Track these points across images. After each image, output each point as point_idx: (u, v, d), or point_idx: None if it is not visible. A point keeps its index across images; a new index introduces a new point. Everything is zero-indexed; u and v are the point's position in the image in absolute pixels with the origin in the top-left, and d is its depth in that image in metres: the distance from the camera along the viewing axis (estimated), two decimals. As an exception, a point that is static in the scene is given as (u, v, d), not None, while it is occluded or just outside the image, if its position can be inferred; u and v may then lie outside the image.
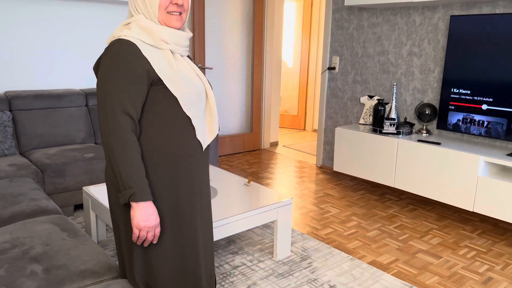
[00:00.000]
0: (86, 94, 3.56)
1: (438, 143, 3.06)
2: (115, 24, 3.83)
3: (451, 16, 3.09)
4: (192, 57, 1.12)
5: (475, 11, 3.09)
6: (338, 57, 4.11)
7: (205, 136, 1.37)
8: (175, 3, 1.28)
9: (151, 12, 1.27)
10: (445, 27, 3.27)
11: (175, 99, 1.26)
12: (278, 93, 5.21)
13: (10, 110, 3.20)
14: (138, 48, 1.22)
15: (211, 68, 4.49)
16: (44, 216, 2.00)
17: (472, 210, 2.84)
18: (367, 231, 2.92)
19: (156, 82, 1.24)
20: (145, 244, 1.30)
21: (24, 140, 3.19)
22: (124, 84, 1.19)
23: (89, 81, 3.79)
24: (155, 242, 1.30)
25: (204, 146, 1.37)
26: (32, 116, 3.24)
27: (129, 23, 1.29)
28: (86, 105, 3.56)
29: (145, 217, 1.24)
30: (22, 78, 3.45)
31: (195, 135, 1.33)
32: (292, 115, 6.36)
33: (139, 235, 1.26)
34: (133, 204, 1.23)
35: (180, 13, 1.30)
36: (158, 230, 1.28)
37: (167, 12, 1.28)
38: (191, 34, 1.36)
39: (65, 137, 3.34)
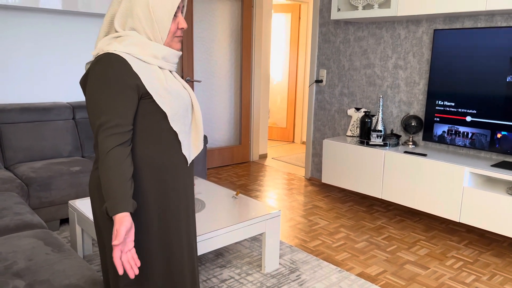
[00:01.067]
0: (73, 107, 3.54)
1: (424, 155, 3.10)
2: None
3: (435, 30, 3.16)
4: (180, 70, 1.14)
5: (457, 25, 3.17)
6: (325, 70, 4.16)
7: (190, 151, 1.38)
8: (181, 28, 1.33)
9: (158, 36, 1.28)
10: (429, 40, 3.34)
11: (163, 114, 1.27)
12: (266, 106, 5.24)
13: (-4, 124, 3.16)
14: (128, 62, 1.21)
15: (199, 81, 4.50)
16: (28, 231, 1.97)
17: (458, 221, 2.87)
18: (355, 243, 2.92)
19: (144, 96, 1.24)
20: (131, 272, 1.19)
21: (9, 153, 3.15)
22: (114, 99, 1.19)
23: (76, 94, 3.78)
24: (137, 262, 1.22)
25: (189, 161, 1.38)
26: (18, 129, 3.21)
27: (119, 37, 1.27)
28: (73, 118, 3.54)
29: (119, 231, 1.17)
30: (8, 91, 3.42)
31: (181, 149, 1.34)
32: (281, 127, 6.39)
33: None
34: (114, 217, 1.19)
35: (182, 36, 1.37)
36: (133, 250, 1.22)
37: (174, 37, 1.33)
38: (180, 53, 1.38)
39: (51, 151, 3.31)
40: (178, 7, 1.31)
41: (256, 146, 5.18)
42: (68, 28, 3.65)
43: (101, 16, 3.78)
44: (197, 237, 2.02)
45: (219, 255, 2.67)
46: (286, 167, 4.92)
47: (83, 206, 2.45)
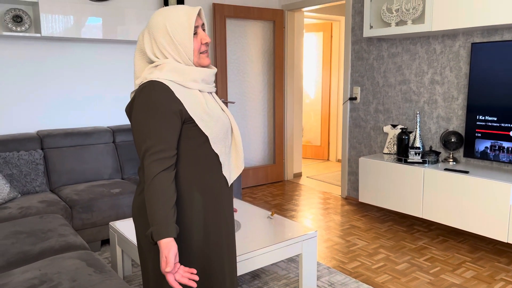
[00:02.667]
0: (113, 131, 3.68)
1: (466, 172, 2.98)
2: (141, 63, 3.98)
3: (472, 43, 3.08)
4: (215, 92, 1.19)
5: (496, 38, 3.07)
6: (359, 87, 4.12)
7: (231, 172, 1.42)
8: (205, 43, 1.36)
9: (185, 57, 1.33)
10: (466, 54, 3.26)
11: (204, 137, 1.32)
12: (300, 124, 5.24)
13: (42, 149, 3.33)
14: (170, 89, 1.27)
15: (233, 102, 4.57)
16: (71, 252, 2.04)
17: (506, 241, 2.72)
18: (396, 264, 2.83)
19: (187, 121, 1.29)
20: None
21: (54, 177, 3.29)
22: (159, 125, 1.23)
23: (116, 118, 3.92)
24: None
25: (230, 182, 1.41)
26: (62, 153, 3.36)
27: (158, 65, 1.32)
28: (114, 142, 3.67)
29: (165, 256, 1.23)
30: (53, 117, 3.60)
31: (221, 171, 1.38)
32: (315, 145, 6.35)
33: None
34: (159, 242, 1.24)
35: (208, 51, 1.39)
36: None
37: (200, 53, 1.36)
38: (215, 70, 1.42)
39: (93, 173, 3.43)
40: (197, 27, 1.34)
41: (290, 165, 5.17)
42: (107, 55, 3.82)
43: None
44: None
45: (256, 277, 2.65)
46: (321, 186, 4.86)
47: (123, 227, 2.51)
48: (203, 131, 1.30)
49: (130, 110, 1.36)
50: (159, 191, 1.22)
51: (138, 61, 1.39)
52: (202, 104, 1.31)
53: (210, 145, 1.34)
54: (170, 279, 1.21)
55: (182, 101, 1.27)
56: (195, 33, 1.34)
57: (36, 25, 3.32)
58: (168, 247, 1.21)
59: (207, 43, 1.37)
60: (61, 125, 3.65)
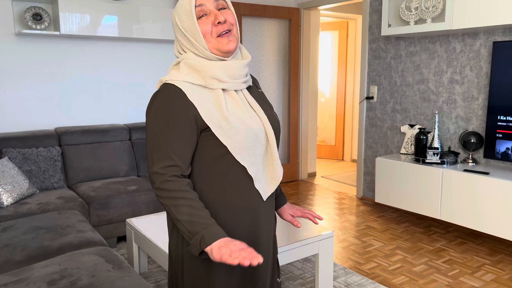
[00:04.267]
0: (130, 129, 3.70)
1: (487, 173, 2.92)
2: (157, 62, 4.01)
3: (494, 42, 3.02)
4: (259, 87, 1.04)
5: (519, 36, 3.01)
6: (376, 87, 4.08)
7: (266, 184, 1.18)
8: (218, 22, 1.12)
9: (199, 47, 1.14)
10: (487, 53, 3.19)
11: (223, 146, 1.12)
12: (315, 124, 5.21)
13: (60, 145, 3.37)
14: (184, 93, 1.10)
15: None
16: (90, 248, 2.06)
17: (528, 244, 2.67)
18: (413, 266, 2.79)
19: (205, 129, 1.11)
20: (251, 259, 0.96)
21: (71, 173, 3.33)
22: (169, 135, 1.08)
23: (133, 116, 3.95)
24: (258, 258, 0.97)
25: (265, 196, 1.18)
26: (79, 150, 3.40)
27: (178, 63, 1.19)
28: (130, 139, 3.70)
29: (220, 249, 1.00)
30: (70, 115, 3.64)
31: (253, 185, 1.17)
32: (329, 145, 6.31)
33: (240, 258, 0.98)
34: (207, 249, 1.02)
35: (229, 30, 1.14)
36: (250, 249, 1.00)
37: (217, 37, 1.13)
38: (249, 59, 1.19)
39: (109, 170, 3.46)
40: (202, 4, 1.13)
41: (304, 165, 5.14)
42: (123, 54, 3.85)
43: (154, 41, 3.95)
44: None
45: (271, 276, 2.64)
46: (336, 186, 4.82)
47: (140, 224, 2.52)
48: (221, 141, 1.10)
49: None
50: (180, 199, 1.06)
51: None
52: (222, 107, 1.10)
53: (233, 157, 1.13)
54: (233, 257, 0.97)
55: (196, 106, 1.09)
56: (204, 14, 1.13)
57: (55, 23, 3.36)
58: (220, 245, 0.99)
59: (220, 22, 1.11)
60: (78, 122, 3.69)
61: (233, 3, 4.34)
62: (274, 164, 1.18)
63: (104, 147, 3.51)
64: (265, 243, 1.23)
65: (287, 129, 4.99)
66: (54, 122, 3.58)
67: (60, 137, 3.37)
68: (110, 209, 3.00)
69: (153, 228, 2.46)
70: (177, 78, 1.13)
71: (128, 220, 2.60)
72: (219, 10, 1.14)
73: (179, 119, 1.08)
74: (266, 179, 1.19)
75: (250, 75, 1.26)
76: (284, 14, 4.70)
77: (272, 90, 4.82)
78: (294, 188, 4.75)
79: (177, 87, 1.11)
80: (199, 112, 1.09)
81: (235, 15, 1.18)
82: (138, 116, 3.98)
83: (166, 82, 1.14)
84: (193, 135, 1.10)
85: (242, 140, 1.11)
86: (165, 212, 2.75)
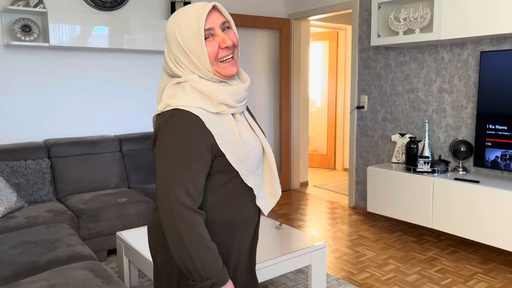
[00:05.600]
0: (120, 140, 3.67)
1: (477, 181, 2.94)
2: (147, 72, 4.00)
3: (481, 52, 3.06)
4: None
5: (506, 46, 3.05)
6: (366, 96, 4.11)
7: (266, 201, 1.23)
8: (225, 47, 1.11)
9: (203, 69, 1.12)
10: (475, 63, 3.24)
11: (236, 171, 1.15)
12: (306, 133, 5.22)
13: (49, 157, 3.33)
14: (202, 121, 1.08)
15: (240, 111, 4.56)
16: (79, 263, 2.02)
17: (519, 252, 2.68)
18: (406, 275, 2.78)
19: (218, 155, 1.12)
20: None
21: (61, 186, 3.29)
22: (187, 163, 1.06)
23: (123, 127, 3.92)
24: None
25: (266, 211, 1.24)
26: (69, 162, 3.36)
27: (179, 83, 1.14)
28: (120, 151, 3.67)
29: None
30: (60, 126, 3.61)
31: (254, 201, 1.22)
32: (321, 154, 6.32)
33: None
34: None
35: (232, 56, 1.13)
36: None
37: (220, 61, 1.12)
38: (248, 83, 1.20)
39: (99, 182, 3.42)
40: (211, 28, 1.10)
41: (296, 174, 5.14)
42: (114, 65, 3.84)
43: (145, 52, 3.95)
44: None
45: (264, 288, 2.61)
46: (329, 195, 4.82)
47: (130, 237, 2.49)
48: (233, 166, 1.13)
49: (154, 141, 1.17)
50: (199, 236, 1.05)
51: (163, 74, 1.21)
52: (235, 134, 1.11)
53: (241, 178, 1.16)
54: None
55: (213, 134, 1.08)
56: (212, 35, 1.10)
57: (44, 35, 3.34)
58: None
59: (227, 46, 1.10)
60: (68, 134, 3.65)
61: (223, 14, 4.36)
62: (274, 182, 1.22)
63: (94, 159, 3.47)
64: (249, 248, 1.30)
65: (279, 138, 4.99)
66: (43, 134, 3.54)
67: (49, 149, 3.33)
68: (100, 222, 2.95)
69: (144, 241, 2.43)
70: (191, 104, 1.09)
71: (118, 233, 2.56)
72: (224, 30, 1.13)
73: (198, 148, 1.07)
74: (267, 196, 1.23)
75: None
76: (275, 24, 4.73)
77: (264, 100, 4.83)
78: (286, 197, 4.74)
79: (195, 114, 1.08)
80: (216, 140, 1.09)
81: (237, 34, 1.17)
82: (128, 127, 3.95)
83: (181, 108, 1.09)
84: (208, 165, 1.10)
85: (251, 163, 1.15)
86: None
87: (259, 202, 1.21)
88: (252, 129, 1.22)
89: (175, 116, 1.08)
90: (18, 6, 3.18)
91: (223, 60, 1.12)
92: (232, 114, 1.16)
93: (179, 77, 1.15)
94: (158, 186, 1.08)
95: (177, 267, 1.17)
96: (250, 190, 1.19)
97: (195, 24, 1.08)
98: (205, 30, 1.09)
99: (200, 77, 1.13)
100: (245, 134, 1.16)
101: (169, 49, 1.15)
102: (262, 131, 1.27)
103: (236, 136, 1.11)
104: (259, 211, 1.28)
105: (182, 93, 1.11)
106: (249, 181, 1.15)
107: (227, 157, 1.10)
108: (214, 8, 1.11)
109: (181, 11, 1.12)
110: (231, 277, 1.21)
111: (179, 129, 1.06)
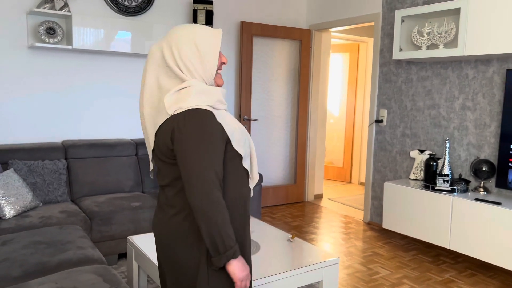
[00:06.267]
0: (137, 144, 3.69)
1: (499, 203, 2.84)
2: (167, 78, 4.01)
3: (507, 70, 2.97)
4: (238, 109, 1.22)
5: (533, 65, 2.96)
6: (385, 110, 4.04)
7: (253, 183, 1.48)
8: (222, 63, 1.41)
9: (209, 75, 1.36)
10: (500, 80, 3.15)
11: (238, 156, 1.36)
12: (323, 145, 5.16)
13: (66, 159, 3.36)
14: (214, 115, 1.29)
15: (256, 120, 4.54)
16: (88, 266, 2.01)
17: (541, 280, 2.56)
18: (421, 297, 2.69)
19: (227, 141, 1.33)
20: None
21: (76, 187, 3.31)
22: (212, 152, 1.26)
23: (139, 132, 3.94)
24: None
25: (251, 194, 1.48)
26: (85, 164, 3.38)
27: (183, 88, 1.30)
28: (136, 155, 3.68)
29: (243, 267, 1.31)
30: (78, 128, 3.65)
31: (248, 184, 1.43)
32: (337, 166, 6.24)
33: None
34: (234, 261, 1.29)
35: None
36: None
37: (217, 73, 1.41)
38: (225, 90, 1.48)
39: (114, 185, 3.43)
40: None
41: (311, 186, 5.07)
42: (134, 69, 3.87)
43: (167, 58, 3.97)
44: (252, 281, 1.96)
45: (273, 301, 2.56)
46: (343, 209, 4.74)
47: (141, 242, 2.48)
48: (237, 151, 1.34)
49: (172, 140, 1.29)
50: (225, 214, 1.26)
51: (151, 78, 1.34)
52: (234, 124, 1.35)
53: (241, 163, 1.37)
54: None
55: (222, 125, 1.30)
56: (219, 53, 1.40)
57: (68, 37, 3.39)
58: (246, 264, 1.31)
59: (224, 63, 1.43)
60: (86, 136, 3.69)
61: (245, 23, 4.37)
62: (255, 167, 1.47)
63: (110, 162, 3.49)
64: (249, 228, 1.49)
65: (295, 149, 4.95)
66: (61, 135, 3.58)
67: (66, 150, 3.36)
68: (112, 225, 2.96)
69: (154, 247, 2.41)
70: (200, 103, 1.28)
71: (129, 237, 2.55)
72: None
73: (216, 138, 1.28)
74: (254, 179, 1.47)
75: None
76: (295, 35, 4.72)
77: (281, 110, 4.80)
78: (300, 209, 4.68)
79: (208, 110, 1.29)
80: (225, 130, 1.31)
81: None
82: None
83: (193, 108, 1.27)
84: (223, 149, 1.31)
85: (246, 148, 1.38)
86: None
87: (251, 185, 1.45)
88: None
89: (194, 115, 1.26)
90: (44, 8, 3.24)
91: (219, 73, 1.41)
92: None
93: (182, 81, 1.33)
94: (192, 176, 1.24)
95: (203, 254, 1.33)
96: (244, 173, 1.40)
97: (213, 38, 1.34)
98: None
99: (200, 80, 1.35)
100: (237, 125, 1.38)
101: (176, 50, 1.32)
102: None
103: (235, 126, 1.35)
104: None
105: (189, 97, 1.29)
106: (245, 164, 1.38)
107: (232, 143, 1.32)
108: None
109: (195, 27, 1.35)
110: (243, 248, 1.42)
111: (201, 124, 1.25)
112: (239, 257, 1.30)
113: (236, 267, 1.29)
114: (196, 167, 1.24)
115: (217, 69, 1.40)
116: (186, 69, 1.32)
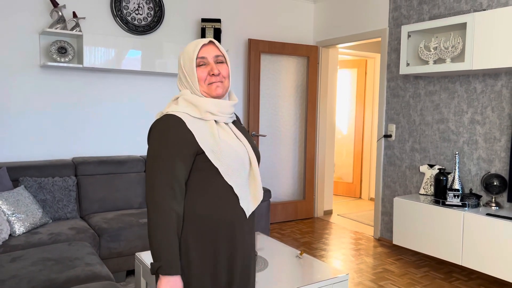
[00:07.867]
0: (145, 161, 3.71)
1: (511, 218, 2.79)
2: (171, 94, 4.07)
3: (516, 83, 2.95)
4: (246, 125, 1.17)
5: (542, 78, 2.94)
6: (394, 125, 4.02)
7: (248, 203, 1.38)
8: (212, 74, 1.37)
9: (193, 87, 1.37)
10: (509, 94, 3.13)
11: (216, 169, 1.31)
12: (331, 160, 5.14)
13: (76, 175, 3.39)
14: (183, 122, 1.30)
15: (264, 136, 4.56)
16: (96, 283, 2.01)
17: (558, 297, 2.49)
18: (433, 315, 2.63)
19: (200, 152, 1.30)
20: None
21: (85, 204, 3.33)
22: (171, 159, 1.26)
23: (149, 148, 3.97)
24: None
25: (248, 213, 1.38)
26: (95, 181, 3.41)
27: (177, 98, 1.40)
28: (145, 171, 3.70)
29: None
30: (88, 145, 3.69)
31: (239, 204, 1.35)
32: (346, 182, 6.20)
33: None
34: (160, 276, 1.24)
35: (222, 81, 1.39)
36: None
37: (208, 84, 1.37)
38: (235, 101, 1.44)
39: (123, 202, 3.45)
40: (204, 57, 1.36)
41: (320, 202, 5.04)
42: (144, 87, 3.93)
43: (175, 75, 4.03)
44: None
45: (282, 319, 2.52)
46: (353, 225, 4.69)
47: (149, 259, 2.47)
48: (213, 163, 1.30)
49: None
50: (169, 224, 1.23)
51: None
52: (215, 134, 1.31)
53: (224, 180, 1.32)
54: None
55: (193, 133, 1.29)
56: (203, 64, 1.37)
57: (79, 56, 3.47)
58: (175, 286, 1.23)
59: (214, 74, 1.37)
60: (96, 153, 3.73)
61: (252, 40, 4.42)
62: (257, 186, 1.38)
63: (120, 178, 3.51)
64: (241, 255, 1.38)
65: (303, 164, 4.94)
66: (72, 152, 3.62)
67: (76, 167, 3.40)
68: (121, 241, 2.96)
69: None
70: (177, 110, 1.33)
71: (137, 254, 2.55)
72: (217, 63, 1.38)
73: (180, 145, 1.27)
74: (249, 199, 1.38)
75: (235, 113, 1.50)
76: (303, 51, 4.76)
77: (289, 125, 4.81)
78: (309, 226, 4.64)
79: (178, 117, 1.31)
80: (196, 139, 1.29)
81: (229, 69, 1.43)
82: (154, 148, 4.00)
83: (167, 113, 1.33)
84: (191, 159, 1.29)
85: (230, 163, 1.32)
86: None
87: (242, 204, 1.35)
88: (237, 137, 1.40)
89: (162, 120, 1.31)
90: (56, 28, 3.32)
91: (211, 83, 1.37)
92: (217, 123, 1.37)
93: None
94: (147, 180, 1.27)
95: (190, 264, 1.30)
96: (233, 192, 1.33)
97: (192, 52, 1.36)
98: (198, 58, 1.36)
99: (191, 92, 1.39)
100: (225, 137, 1.35)
101: (178, 72, 1.44)
102: (253, 143, 1.46)
103: (216, 137, 1.31)
104: (253, 219, 1.42)
105: (175, 105, 1.36)
106: (229, 179, 1.31)
107: (206, 154, 1.29)
108: (212, 43, 1.39)
109: (187, 44, 1.46)
110: (211, 274, 1.32)
111: (164, 130, 1.28)
112: (169, 277, 1.22)
113: (161, 284, 1.23)
114: (149, 172, 1.27)
115: (208, 82, 1.37)
116: (179, 81, 1.42)
